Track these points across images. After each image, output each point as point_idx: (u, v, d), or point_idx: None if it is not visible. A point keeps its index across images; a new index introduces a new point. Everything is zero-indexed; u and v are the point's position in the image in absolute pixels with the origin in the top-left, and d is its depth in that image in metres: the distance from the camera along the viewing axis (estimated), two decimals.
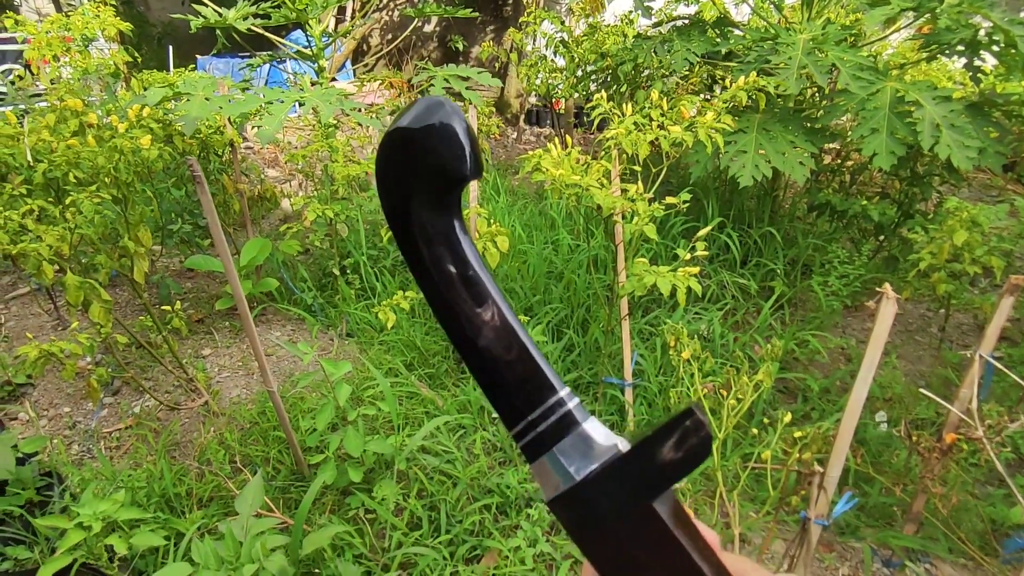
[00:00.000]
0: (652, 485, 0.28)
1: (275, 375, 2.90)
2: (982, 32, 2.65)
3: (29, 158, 2.34)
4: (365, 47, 8.98)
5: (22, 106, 3.55)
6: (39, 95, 3.76)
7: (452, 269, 0.31)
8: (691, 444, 0.28)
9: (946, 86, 3.46)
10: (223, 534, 1.53)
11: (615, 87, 4.15)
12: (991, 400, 2.22)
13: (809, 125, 3.01)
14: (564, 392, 0.31)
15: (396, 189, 0.31)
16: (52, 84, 3.84)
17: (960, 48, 2.74)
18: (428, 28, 9.21)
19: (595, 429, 0.30)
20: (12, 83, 3.89)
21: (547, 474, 0.30)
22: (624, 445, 0.30)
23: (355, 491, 2.02)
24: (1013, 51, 2.57)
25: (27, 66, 4.16)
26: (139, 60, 4.89)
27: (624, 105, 2.21)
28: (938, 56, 3.05)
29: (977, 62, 2.76)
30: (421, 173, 0.30)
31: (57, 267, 2.17)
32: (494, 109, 5.13)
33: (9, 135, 2.45)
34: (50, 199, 2.32)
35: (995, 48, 2.67)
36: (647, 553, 0.28)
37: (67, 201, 2.17)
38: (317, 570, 1.79)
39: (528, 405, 0.30)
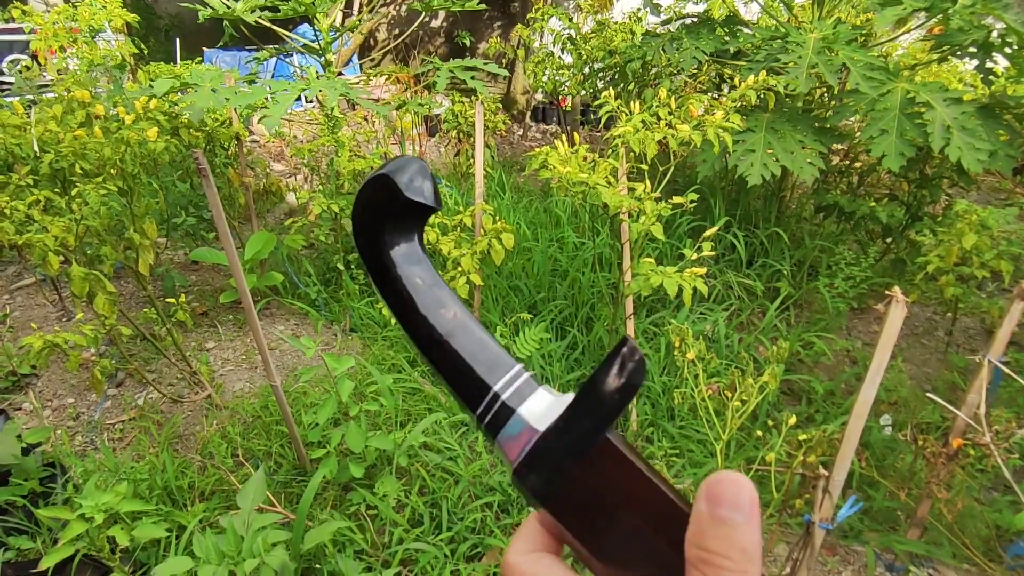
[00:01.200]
0: (604, 416, 0.32)
1: (278, 369, 2.90)
2: (995, 34, 2.62)
3: (36, 148, 2.34)
4: (372, 42, 8.97)
5: (29, 96, 3.56)
6: (46, 86, 3.77)
7: (420, 282, 0.37)
8: (630, 368, 0.32)
9: (957, 88, 3.43)
10: (224, 528, 1.53)
11: (623, 85, 4.12)
12: (999, 406, 2.20)
13: (818, 125, 2.99)
14: (519, 366, 0.36)
15: (374, 221, 0.37)
16: (59, 75, 3.84)
17: (972, 50, 2.71)
18: (435, 24, 9.19)
19: (549, 391, 0.35)
20: (19, 73, 3.89)
21: (513, 439, 0.33)
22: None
23: (356, 487, 2.01)
24: None
25: (34, 57, 4.16)
26: (146, 52, 4.90)
27: (632, 103, 2.20)
28: (949, 57, 3.02)
29: (989, 64, 2.73)
30: (396, 207, 0.36)
31: (62, 258, 2.17)
32: (500, 106, 5.12)
33: (16, 125, 2.45)
34: (56, 190, 2.32)
35: (1008, 50, 2.64)
36: (611, 485, 0.32)
37: (73, 192, 2.17)
38: (318, 565, 1.79)
39: (492, 380, 0.35)
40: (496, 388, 0.34)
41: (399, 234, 0.37)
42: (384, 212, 0.37)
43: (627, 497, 0.31)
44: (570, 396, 0.34)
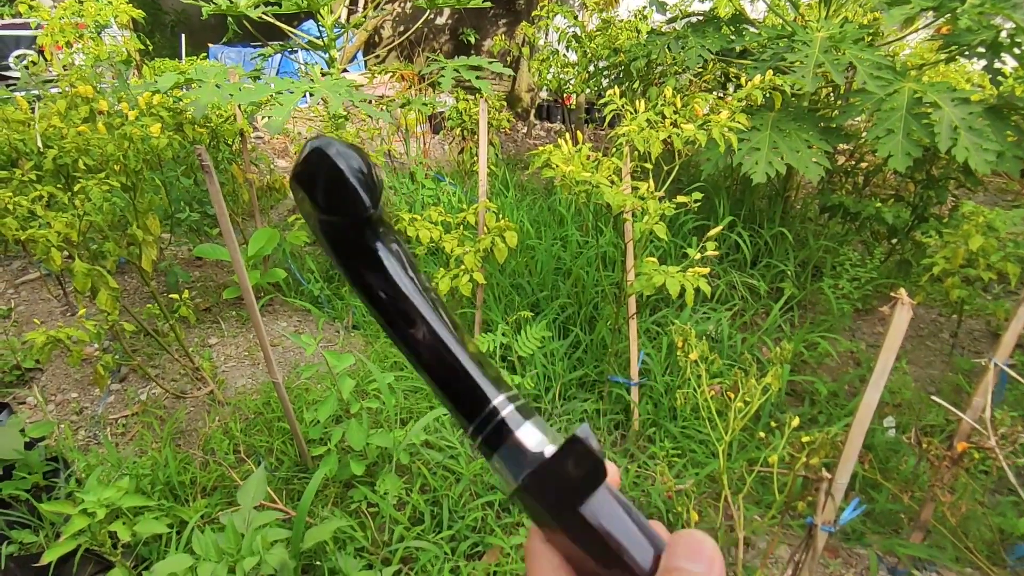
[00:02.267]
0: (572, 493, 0.30)
1: (281, 366, 2.90)
2: (1003, 34, 2.60)
3: (39, 144, 2.35)
4: (377, 39, 8.96)
5: (35, 92, 3.57)
6: (52, 81, 3.78)
7: (382, 295, 0.32)
8: (586, 467, 0.30)
9: (964, 88, 3.40)
10: (225, 525, 1.53)
11: (628, 83, 4.11)
12: (1004, 407, 2.19)
13: (824, 124, 2.97)
14: (499, 399, 0.32)
15: (316, 230, 0.32)
16: (64, 70, 3.84)
17: (981, 50, 2.69)
18: (440, 21, 9.18)
19: (527, 435, 0.31)
20: (26, 68, 3.90)
21: (497, 475, 0.32)
22: (550, 451, 0.31)
23: (357, 484, 2.01)
24: None
25: (41, 52, 4.17)
26: (151, 48, 4.90)
27: (637, 102, 2.19)
28: (957, 57, 3.00)
29: (997, 64, 2.71)
30: (323, 216, 0.31)
31: (66, 253, 2.18)
32: (505, 103, 5.11)
33: (20, 121, 2.46)
34: (59, 185, 2.32)
35: (1016, 50, 2.62)
36: (584, 551, 0.31)
37: (76, 188, 2.17)
38: (318, 562, 1.79)
39: (468, 416, 0.32)
40: (472, 428, 0.32)
41: (344, 243, 0.32)
42: (318, 221, 0.32)
43: (601, 564, 0.30)
44: (544, 448, 0.31)
